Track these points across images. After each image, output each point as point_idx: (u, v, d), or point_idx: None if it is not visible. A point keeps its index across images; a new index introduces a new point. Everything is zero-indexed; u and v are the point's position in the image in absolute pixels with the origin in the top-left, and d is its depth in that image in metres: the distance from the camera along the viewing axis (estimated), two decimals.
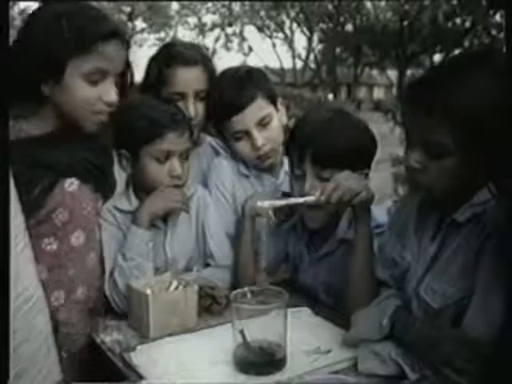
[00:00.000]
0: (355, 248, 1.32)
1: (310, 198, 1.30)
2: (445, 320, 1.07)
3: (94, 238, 1.44)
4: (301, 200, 1.29)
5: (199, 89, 1.68)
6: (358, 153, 1.39)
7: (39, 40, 1.22)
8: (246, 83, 1.59)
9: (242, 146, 1.62)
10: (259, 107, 1.59)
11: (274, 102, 1.64)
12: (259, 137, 1.59)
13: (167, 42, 1.92)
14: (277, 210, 1.44)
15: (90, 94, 1.26)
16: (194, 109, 1.67)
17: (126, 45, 1.32)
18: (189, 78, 1.67)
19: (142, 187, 1.52)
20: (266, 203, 1.22)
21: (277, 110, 1.65)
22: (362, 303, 1.23)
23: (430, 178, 1.06)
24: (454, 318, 1.05)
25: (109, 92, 1.28)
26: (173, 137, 1.46)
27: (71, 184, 1.34)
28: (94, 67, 1.25)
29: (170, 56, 1.70)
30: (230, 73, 1.67)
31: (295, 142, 1.46)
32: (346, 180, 1.27)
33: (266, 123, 1.61)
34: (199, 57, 1.70)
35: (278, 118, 1.65)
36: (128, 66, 1.35)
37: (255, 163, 1.66)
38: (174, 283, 1.39)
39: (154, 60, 1.74)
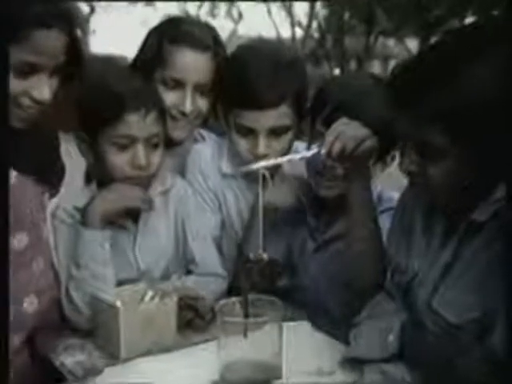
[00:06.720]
0: (352, 209, 1.35)
1: (307, 153, 1.32)
2: (466, 336, 1.08)
3: (41, 239, 1.43)
4: (298, 156, 1.33)
5: (202, 81, 1.64)
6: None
7: None
8: (279, 79, 1.55)
9: (243, 143, 1.61)
10: (280, 115, 1.57)
11: (299, 110, 1.61)
12: (263, 145, 1.57)
13: (175, 15, 1.85)
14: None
15: (15, 88, 1.23)
16: (192, 103, 1.64)
17: (71, 33, 1.28)
18: (194, 65, 1.63)
19: (102, 180, 1.51)
20: (259, 164, 1.26)
21: (298, 119, 1.62)
22: (367, 282, 1.30)
23: (429, 182, 1.09)
24: (479, 333, 1.06)
25: (38, 88, 1.25)
26: (135, 119, 1.44)
27: None
28: (18, 60, 1.21)
29: (177, 32, 1.64)
30: (266, 53, 1.62)
31: (324, 102, 1.48)
32: (346, 128, 1.28)
33: (279, 134, 1.58)
34: (212, 41, 1.66)
35: (293, 132, 1.62)
36: (75, 58, 1.31)
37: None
38: (149, 294, 1.40)
39: (155, 33, 1.68)
